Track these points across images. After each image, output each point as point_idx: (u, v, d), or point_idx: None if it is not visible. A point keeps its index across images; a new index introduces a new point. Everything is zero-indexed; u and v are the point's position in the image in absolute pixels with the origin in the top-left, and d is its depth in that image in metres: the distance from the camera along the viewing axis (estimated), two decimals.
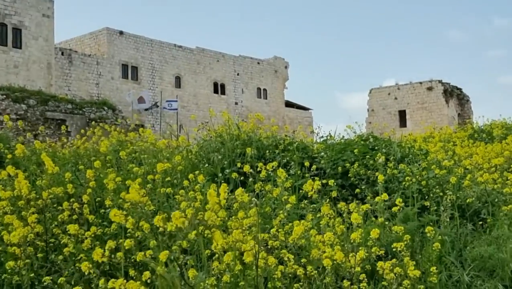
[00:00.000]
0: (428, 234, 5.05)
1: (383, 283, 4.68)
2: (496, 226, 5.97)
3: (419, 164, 8.44)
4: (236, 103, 51.39)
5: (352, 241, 5.01)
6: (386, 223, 5.99)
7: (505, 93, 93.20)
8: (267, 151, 8.72)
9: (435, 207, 7.10)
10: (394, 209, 6.11)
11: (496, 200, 6.94)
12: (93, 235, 5.07)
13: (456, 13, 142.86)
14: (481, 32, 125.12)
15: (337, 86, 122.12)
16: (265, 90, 54.33)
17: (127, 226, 4.49)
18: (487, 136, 14.41)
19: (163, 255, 4.03)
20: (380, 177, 6.99)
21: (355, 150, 8.61)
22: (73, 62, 40.21)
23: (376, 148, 9.22)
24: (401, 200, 5.84)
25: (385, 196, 5.89)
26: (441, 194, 7.38)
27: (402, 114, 51.10)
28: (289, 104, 57.20)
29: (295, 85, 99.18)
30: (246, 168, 6.74)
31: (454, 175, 7.68)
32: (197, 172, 6.81)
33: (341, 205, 5.38)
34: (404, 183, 7.84)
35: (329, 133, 10.08)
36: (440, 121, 44.48)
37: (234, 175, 6.97)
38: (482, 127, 16.07)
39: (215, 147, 8.95)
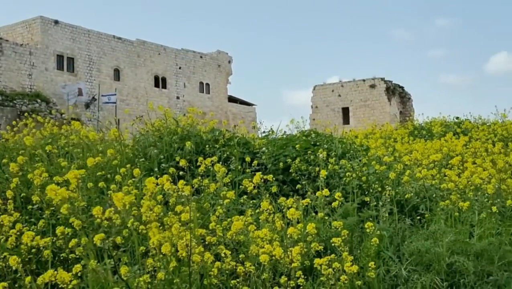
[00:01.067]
0: (368, 229, 5.12)
1: (321, 278, 4.72)
2: (433, 221, 6.14)
3: (360, 160, 8.60)
4: (177, 98, 50.85)
5: (289, 236, 5.03)
6: (326, 218, 6.05)
7: (445, 92, 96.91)
8: (207, 146, 8.63)
9: (375, 203, 7.25)
10: (334, 204, 6.17)
11: (434, 195, 7.15)
12: (18, 233, 4.84)
13: (400, 12, 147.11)
14: (423, 31, 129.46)
15: (283, 83, 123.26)
16: (207, 84, 54.03)
17: (62, 211, 4.32)
18: (427, 133, 14.88)
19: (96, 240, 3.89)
20: (323, 172, 7.06)
21: (297, 146, 8.66)
22: (4, 52, 38.55)
23: (318, 143, 9.32)
24: (340, 194, 5.89)
25: (326, 191, 5.93)
26: (380, 189, 7.54)
27: (345, 111, 52.11)
28: (232, 100, 57.16)
29: (239, 80, 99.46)
30: (183, 162, 6.64)
31: (394, 171, 7.86)
32: (131, 166, 6.65)
33: (281, 200, 5.37)
34: (344, 178, 7.97)
35: (271, 129, 10.11)
36: (382, 118, 45.63)
37: (172, 170, 6.87)
38: (422, 125, 16.57)
39: (152, 142, 8.79)
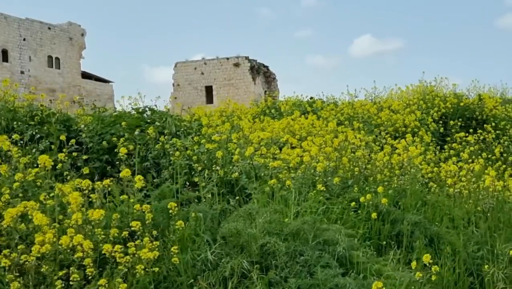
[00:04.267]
0: (171, 211, 4.92)
1: (119, 268, 4.45)
2: (252, 201, 6.12)
3: (192, 138, 8.43)
4: (22, 72, 47.44)
5: (92, 221, 4.73)
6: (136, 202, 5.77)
7: (312, 72, 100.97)
8: (18, 122, 7.94)
9: (204, 183, 7.12)
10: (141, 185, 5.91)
11: (263, 174, 7.18)
12: None
13: None
14: (290, 11, 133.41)
15: (144, 59, 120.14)
16: (57, 59, 51.03)
17: None
18: (276, 111, 15.17)
19: None
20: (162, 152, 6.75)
21: (123, 123, 8.28)
22: None
23: (149, 121, 9.01)
24: (141, 177, 5.58)
25: (127, 172, 5.55)
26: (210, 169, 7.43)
27: (209, 90, 52.16)
28: (86, 76, 54.66)
29: (94, 55, 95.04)
30: None
31: (225, 149, 7.79)
32: None
33: (77, 182, 5.00)
34: (175, 159, 7.75)
35: (97, 107, 9.60)
36: (246, 98, 46.24)
37: None
38: (276, 104, 16.89)
39: None
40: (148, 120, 9.11)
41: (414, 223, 7.24)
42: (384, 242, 6.74)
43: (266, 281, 4.75)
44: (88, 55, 62.81)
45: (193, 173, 7.33)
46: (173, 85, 52.84)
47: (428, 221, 7.59)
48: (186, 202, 6.73)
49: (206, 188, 6.36)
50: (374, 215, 6.66)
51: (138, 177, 5.29)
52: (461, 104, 16.11)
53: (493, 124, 15.36)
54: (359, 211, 6.96)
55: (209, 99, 51.54)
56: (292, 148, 8.99)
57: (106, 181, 5.14)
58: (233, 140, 7.94)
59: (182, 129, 8.85)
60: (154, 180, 7.73)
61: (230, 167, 7.54)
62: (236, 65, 51.36)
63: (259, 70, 53.42)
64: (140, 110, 10.01)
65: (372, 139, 12.45)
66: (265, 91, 54.40)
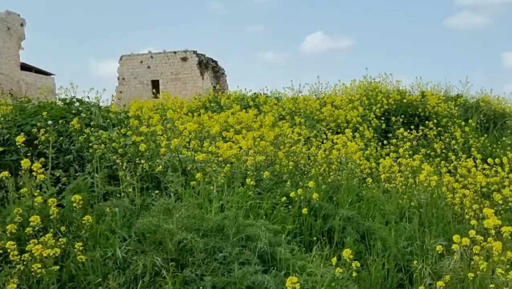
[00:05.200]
0: (75, 205, 4.63)
1: (18, 266, 4.15)
2: (169, 195, 5.88)
3: (119, 130, 8.11)
4: None
5: None
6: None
7: (263, 69, 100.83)
8: None
9: (129, 177, 6.84)
10: (64, 180, 5.61)
11: (189, 168, 6.94)
12: None
13: None
14: (241, 6, 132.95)
15: (91, 52, 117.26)
16: None
17: None
18: (216, 105, 14.96)
19: None
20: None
21: (44, 113, 7.88)
22: None
23: (74, 112, 8.63)
24: (38, 165, 5.26)
25: (37, 165, 5.22)
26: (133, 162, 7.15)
27: (155, 84, 51.29)
28: (26, 68, 52.91)
29: (35, 47, 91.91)
30: None
31: (153, 142, 7.52)
32: None
33: None
34: (97, 151, 7.43)
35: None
36: (194, 93, 45.76)
37: None
38: (217, 99, 16.66)
39: None
40: (74, 112, 8.71)
41: (347, 218, 7.16)
42: (315, 238, 6.63)
43: (181, 279, 4.52)
44: (28, 46, 60.78)
45: (116, 166, 7.02)
46: (118, 79, 51.74)
47: (361, 216, 7.55)
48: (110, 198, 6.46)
49: (126, 181, 6.07)
50: (304, 210, 6.53)
51: (35, 165, 4.96)
52: (404, 100, 16.25)
53: (435, 121, 15.56)
54: (289, 206, 6.83)
55: (156, 93, 50.75)
56: (227, 141, 8.80)
57: (4, 173, 4.80)
58: (157, 132, 7.65)
59: (108, 121, 8.49)
60: (77, 174, 7.39)
61: (157, 161, 7.28)
62: (184, 59, 50.71)
63: (207, 65, 52.94)
64: (67, 101, 9.58)
65: (313, 134, 12.42)
66: (214, 87, 54.07)
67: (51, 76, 56.30)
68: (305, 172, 9.02)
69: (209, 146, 7.49)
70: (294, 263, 5.09)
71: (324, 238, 6.77)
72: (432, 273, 5.61)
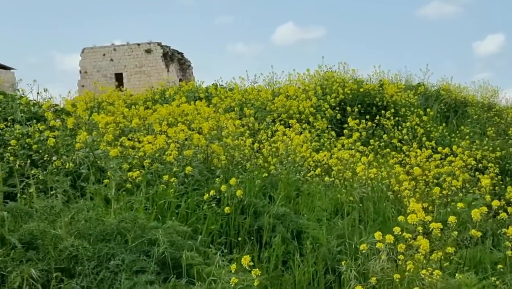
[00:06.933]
0: None
1: None
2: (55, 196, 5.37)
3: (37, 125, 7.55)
4: None
5: None
6: None
7: (233, 60, 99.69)
8: None
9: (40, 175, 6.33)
10: None
11: (104, 164, 6.44)
12: None
13: None
14: None
15: (55, 45, 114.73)
16: None
17: None
18: (160, 97, 14.49)
19: None
20: None
21: None
22: None
23: None
24: None
25: None
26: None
27: (119, 78, 50.32)
28: None
29: None
30: None
31: (70, 136, 7.01)
32: None
33: None
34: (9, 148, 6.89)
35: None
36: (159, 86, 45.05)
37: None
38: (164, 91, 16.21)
39: None
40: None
41: (281, 215, 6.74)
42: (240, 238, 6.20)
43: None
44: None
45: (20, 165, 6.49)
46: (80, 72, 50.66)
47: (298, 213, 7.14)
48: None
49: (33, 180, 5.55)
50: (227, 209, 6.08)
51: None
52: (361, 90, 15.91)
53: (393, 110, 15.27)
54: (213, 205, 6.36)
55: (120, 87, 49.84)
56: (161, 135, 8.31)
57: None
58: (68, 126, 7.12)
59: (27, 116, 7.93)
60: None
61: (74, 157, 6.76)
62: (148, 51, 49.82)
63: (173, 57, 52.14)
64: None
65: (263, 126, 12.01)
66: (180, 79, 53.37)
67: (11, 70, 54.96)
68: (244, 167, 8.58)
69: (129, 141, 6.99)
70: (201, 270, 4.63)
71: (252, 238, 6.35)
72: (357, 275, 5.21)
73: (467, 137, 14.43)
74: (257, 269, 4.29)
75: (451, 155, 10.94)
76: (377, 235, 4.88)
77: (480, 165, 12.12)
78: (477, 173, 11.08)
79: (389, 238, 4.86)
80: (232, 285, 3.98)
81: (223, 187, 6.26)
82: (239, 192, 6.19)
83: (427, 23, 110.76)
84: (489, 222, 7.27)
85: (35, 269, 4.09)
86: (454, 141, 14.26)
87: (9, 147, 6.83)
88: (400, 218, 5.13)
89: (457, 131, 15.86)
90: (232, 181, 6.33)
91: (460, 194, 8.63)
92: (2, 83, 49.79)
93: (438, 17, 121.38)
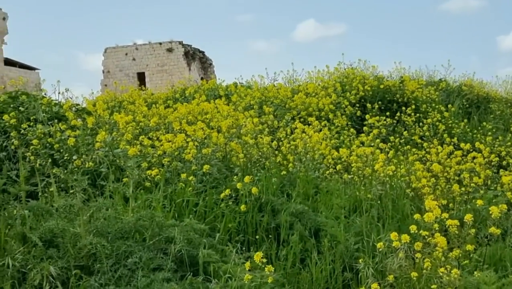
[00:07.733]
0: None
1: None
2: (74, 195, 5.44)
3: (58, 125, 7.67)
4: None
5: None
6: None
7: (254, 58, 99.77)
8: None
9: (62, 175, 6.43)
10: None
11: (123, 163, 6.51)
12: None
13: None
14: None
15: (78, 45, 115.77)
16: None
17: None
18: (181, 96, 14.56)
19: None
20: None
21: None
22: None
23: (12, 106, 8.20)
24: None
25: None
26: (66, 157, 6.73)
27: (141, 77, 50.74)
28: (10, 63, 52.28)
29: (19, 41, 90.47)
30: None
31: (91, 136, 7.10)
32: None
33: None
34: (31, 148, 7.02)
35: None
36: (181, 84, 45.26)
37: None
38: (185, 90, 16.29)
39: None
40: (14, 106, 8.28)
41: (299, 213, 6.74)
42: (257, 237, 6.22)
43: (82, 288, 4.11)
44: (11, 41, 59.99)
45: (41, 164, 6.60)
46: (103, 72, 51.14)
47: (315, 211, 7.12)
48: None
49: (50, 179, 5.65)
50: (243, 207, 6.10)
51: None
52: (381, 86, 15.80)
53: (414, 106, 15.14)
54: (230, 203, 6.39)
55: (142, 86, 50.21)
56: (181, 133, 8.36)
57: None
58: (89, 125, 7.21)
59: (48, 115, 8.05)
60: (8, 173, 6.97)
61: (94, 156, 6.85)
62: (170, 50, 50.08)
63: (194, 56, 52.34)
64: (13, 94, 9.14)
65: (282, 123, 12.00)
66: (202, 77, 53.55)
67: (36, 70, 55.69)
68: (263, 165, 8.60)
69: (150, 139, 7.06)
70: (218, 267, 4.66)
71: (270, 236, 6.37)
72: (375, 272, 5.20)
73: (489, 133, 14.24)
74: (274, 266, 4.31)
75: (473, 152, 10.81)
76: (393, 236, 4.85)
77: (504, 162, 11.95)
78: (501, 170, 10.92)
79: (405, 238, 4.82)
80: (247, 282, 4.00)
81: (239, 185, 6.29)
82: (254, 190, 6.20)
83: (449, 17, 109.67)
84: (510, 220, 7.18)
85: (54, 266, 4.15)
86: (476, 138, 14.09)
87: (31, 147, 6.94)
88: (416, 216, 5.10)
89: (479, 127, 15.67)
90: (247, 178, 6.34)
91: (481, 191, 8.53)
92: (27, 84, 50.28)
93: (461, 12, 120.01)
